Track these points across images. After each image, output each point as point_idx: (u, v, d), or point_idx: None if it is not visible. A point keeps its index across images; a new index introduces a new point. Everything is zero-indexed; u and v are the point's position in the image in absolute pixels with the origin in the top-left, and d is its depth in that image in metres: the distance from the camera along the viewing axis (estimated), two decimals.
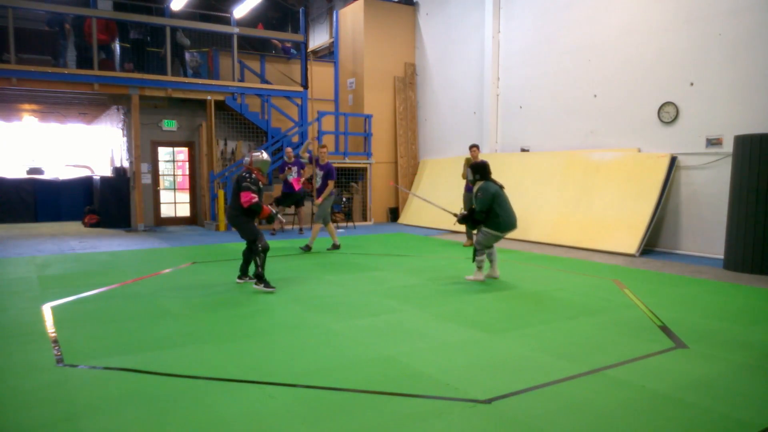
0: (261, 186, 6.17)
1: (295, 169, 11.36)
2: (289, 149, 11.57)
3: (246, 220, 6.15)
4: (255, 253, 6.08)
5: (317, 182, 8.97)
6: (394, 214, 15.02)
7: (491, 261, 6.68)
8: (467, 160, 9.66)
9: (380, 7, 14.83)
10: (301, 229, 11.85)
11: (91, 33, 11.28)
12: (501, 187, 6.49)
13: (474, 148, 9.79)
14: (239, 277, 6.47)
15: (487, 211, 6.31)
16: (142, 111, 12.28)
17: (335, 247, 9.07)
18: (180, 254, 8.60)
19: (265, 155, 6.26)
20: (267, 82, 13.99)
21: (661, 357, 3.93)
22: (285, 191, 11.50)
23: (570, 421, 2.91)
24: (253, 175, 6.12)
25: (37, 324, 4.71)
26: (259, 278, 6.06)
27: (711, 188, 8.63)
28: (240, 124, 13.51)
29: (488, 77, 12.65)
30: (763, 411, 3.06)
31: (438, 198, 11.43)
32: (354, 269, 7.46)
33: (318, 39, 19.75)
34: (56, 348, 4.06)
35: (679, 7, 9.03)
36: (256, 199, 6.01)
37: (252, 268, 6.44)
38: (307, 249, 8.89)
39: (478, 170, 6.52)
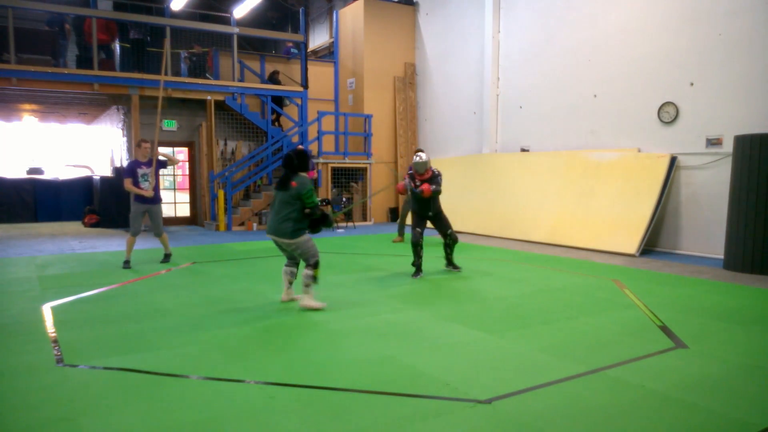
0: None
1: None
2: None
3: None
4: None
5: (147, 184, 7.70)
6: (394, 214, 15.01)
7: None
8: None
9: (380, 7, 14.82)
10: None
11: (91, 33, 11.29)
12: (286, 187, 5.35)
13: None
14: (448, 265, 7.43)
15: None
16: (142, 111, 12.28)
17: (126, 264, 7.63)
18: (180, 254, 8.59)
19: (423, 156, 7.22)
20: (267, 82, 14.00)
21: (661, 357, 3.93)
22: None
23: (570, 421, 2.91)
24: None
25: (37, 324, 4.71)
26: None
27: (711, 188, 8.63)
28: (240, 124, 13.51)
29: (488, 77, 12.65)
30: (763, 411, 3.06)
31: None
32: (354, 269, 7.46)
33: (318, 39, 19.75)
34: (56, 348, 4.06)
35: (679, 7, 9.02)
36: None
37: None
38: (168, 258, 8.05)
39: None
